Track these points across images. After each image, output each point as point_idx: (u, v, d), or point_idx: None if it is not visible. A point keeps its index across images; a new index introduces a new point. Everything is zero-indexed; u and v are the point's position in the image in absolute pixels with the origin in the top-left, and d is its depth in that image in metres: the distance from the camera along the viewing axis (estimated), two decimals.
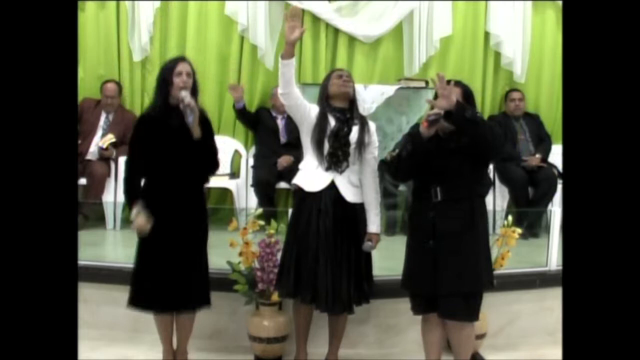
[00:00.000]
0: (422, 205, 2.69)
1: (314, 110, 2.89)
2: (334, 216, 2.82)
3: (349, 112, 2.91)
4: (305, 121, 2.87)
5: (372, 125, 2.95)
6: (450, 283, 2.57)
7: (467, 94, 2.68)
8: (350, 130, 2.86)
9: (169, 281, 2.80)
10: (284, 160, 4.64)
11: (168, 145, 2.81)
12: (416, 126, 3.67)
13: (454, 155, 2.60)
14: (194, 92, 2.85)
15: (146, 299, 2.84)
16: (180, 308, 2.90)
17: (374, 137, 2.93)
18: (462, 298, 2.59)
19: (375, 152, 2.94)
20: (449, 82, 2.58)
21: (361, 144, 2.86)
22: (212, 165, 2.94)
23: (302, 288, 2.82)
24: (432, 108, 2.58)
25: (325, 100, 2.91)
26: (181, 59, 2.92)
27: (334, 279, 2.78)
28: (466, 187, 2.63)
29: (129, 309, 2.87)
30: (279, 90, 2.82)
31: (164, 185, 2.83)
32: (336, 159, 2.84)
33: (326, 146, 2.83)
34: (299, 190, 2.91)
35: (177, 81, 2.80)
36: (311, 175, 2.87)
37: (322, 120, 2.85)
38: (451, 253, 2.59)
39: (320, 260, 2.78)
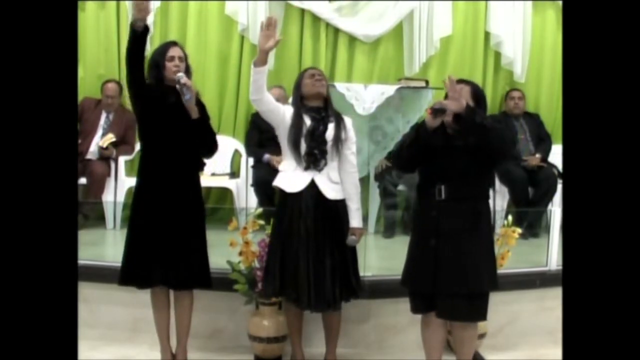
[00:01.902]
0: (426, 203, 2.67)
1: (288, 111, 2.90)
2: (315, 215, 2.84)
3: (323, 110, 2.93)
4: (281, 124, 2.89)
5: (348, 122, 2.97)
6: (450, 284, 2.56)
7: (477, 93, 2.67)
8: (326, 128, 2.88)
9: (161, 257, 2.80)
10: (274, 160, 4.60)
11: (163, 124, 2.83)
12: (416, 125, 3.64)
13: (460, 154, 2.58)
14: (188, 75, 2.87)
15: (137, 275, 2.84)
16: (176, 285, 2.90)
17: (350, 132, 2.95)
18: (464, 298, 2.57)
19: (353, 147, 2.96)
20: (459, 81, 2.58)
21: (338, 140, 2.88)
22: (211, 145, 2.96)
23: (287, 287, 2.85)
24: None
25: (299, 100, 2.93)
26: (172, 43, 2.95)
27: (316, 277, 2.79)
28: (471, 187, 2.61)
29: (121, 285, 2.88)
30: (251, 97, 2.83)
31: (159, 164, 2.84)
32: (314, 158, 2.86)
33: (303, 146, 2.85)
34: (280, 192, 2.94)
35: (169, 65, 2.84)
36: (291, 176, 2.89)
37: (297, 120, 2.87)
38: (452, 253, 2.57)
39: (301, 260, 2.80)
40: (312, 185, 2.86)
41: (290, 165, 2.90)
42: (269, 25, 2.73)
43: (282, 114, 2.89)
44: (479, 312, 2.65)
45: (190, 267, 2.87)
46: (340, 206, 2.91)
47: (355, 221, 2.91)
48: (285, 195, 2.91)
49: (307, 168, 2.86)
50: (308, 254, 2.80)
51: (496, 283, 2.69)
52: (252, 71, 2.76)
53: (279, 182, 2.94)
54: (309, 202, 2.85)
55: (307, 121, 2.87)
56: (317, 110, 2.91)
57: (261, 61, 2.74)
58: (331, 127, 2.89)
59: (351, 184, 2.94)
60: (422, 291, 2.66)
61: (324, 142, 2.86)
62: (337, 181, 2.91)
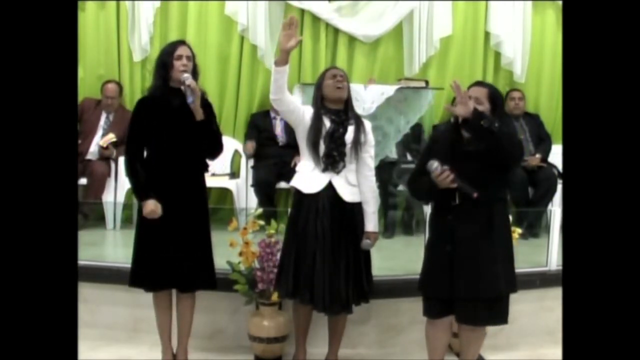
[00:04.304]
0: (442, 209, 2.66)
1: (307, 112, 2.89)
2: (332, 217, 2.83)
3: (343, 112, 2.91)
4: (300, 124, 2.88)
5: (367, 125, 2.96)
6: (467, 289, 2.54)
7: (494, 95, 2.63)
8: (345, 131, 2.86)
9: (169, 260, 2.80)
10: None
11: (169, 126, 2.83)
12: (418, 132, 3.59)
13: (472, 158, 2.56)
14: (195, 75, 2.86)
15: (147, 278, 2.85)
16: (183, 287, 2.90)
17: (369, 136, 2.94)
18: (484, 303, 2.56)
19: (371, 150, 2.95)
20: (476, 83, 2.58)
21: (357, 143, 2.87)
22: (216, 147, 2.95)
23: (301, 289, 2.83)
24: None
25: (319, 101, 2.92)
26: (181, 42, 2.93)
27: (332, 279, 2.78)
28: (486, 190, 2.56)
29: (131, 287, 2.88)
30: (271, 96, 2.80)
31: (165, 166, 2.84)
32: (332, 160, 2.84)
33: (322, 147, 2.84)
34: (297, 192, 2.92)
35: (177, 64, 2.82)
36: (308, 177, 2.88)
37: (316, 121, 2.85)
38: (468, 258, 2.55)
39: (317, 261, 2.78)
40: (330, 187, 2.85)
41: (308, 166, 2.89)
42: (290, 25, 2.71)
43: (301, 114, 2.87)
44: (500, 316, 2.62)
45: (197, 269, 2.87)
46: (356, 209, 2.89)
47: (370, 225, 2.90)
48: (301, 195, 2.89)
49: (325, 170, 2.85)
50: (324, 255, 2.79)
51: (514, 285, 2.64)
52: (273, 71, 2.74)
53: (296, 182, 2.92)
54: (326, 203, 2.83)
55: (327, 123, 2.85)
56: (337, 112, 2.89)
57: (282, 61, 2.72)
58: (351, 129, 2.87)
59: (368, 188, 2.93)
60: (440, 296, 2.64)
61: (343, 144, 2.84)
62: (355, 184, 2.90)
